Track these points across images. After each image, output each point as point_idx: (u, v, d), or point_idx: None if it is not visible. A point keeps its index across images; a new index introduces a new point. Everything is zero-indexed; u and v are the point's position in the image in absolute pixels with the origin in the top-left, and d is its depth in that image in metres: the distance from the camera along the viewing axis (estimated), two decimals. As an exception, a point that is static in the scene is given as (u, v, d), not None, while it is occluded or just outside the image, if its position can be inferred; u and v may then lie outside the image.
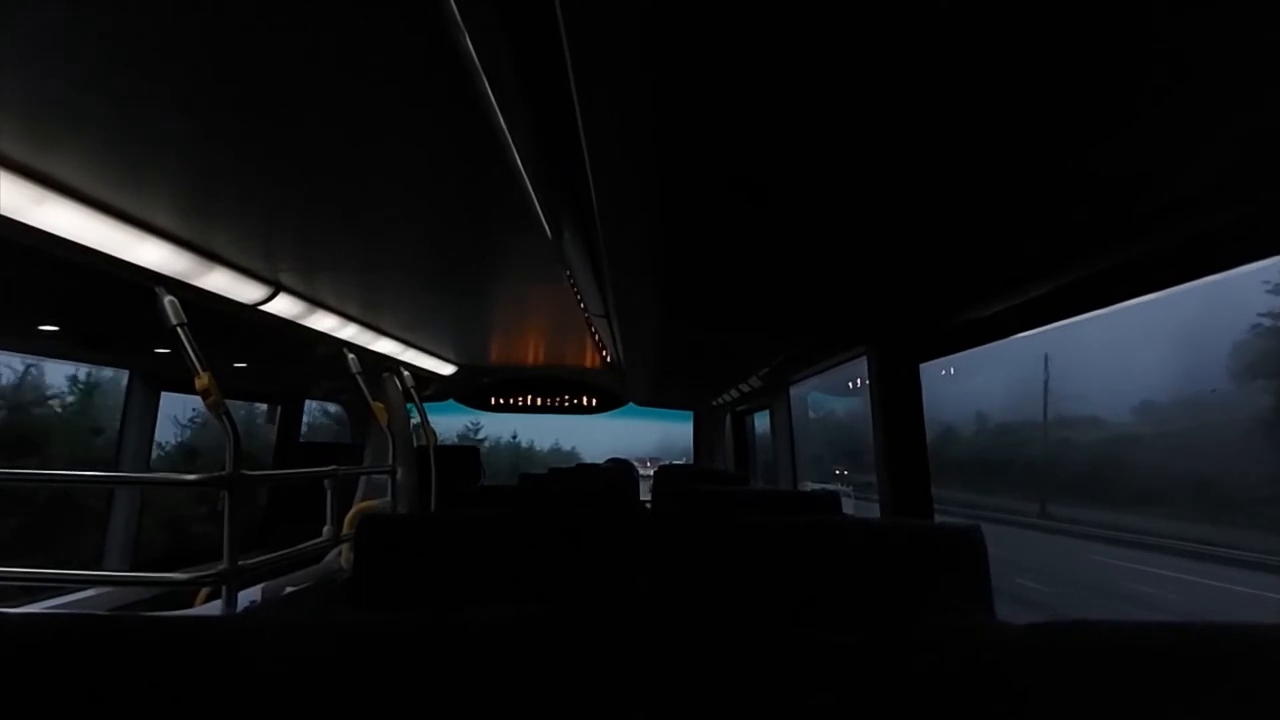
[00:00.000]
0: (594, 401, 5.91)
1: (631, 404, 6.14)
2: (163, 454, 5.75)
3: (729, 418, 5.96)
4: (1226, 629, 0.65)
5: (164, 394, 3.24)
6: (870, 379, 2.34)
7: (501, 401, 5.82)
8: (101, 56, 1.00)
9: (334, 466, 2.59)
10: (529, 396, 5.83)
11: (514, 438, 15.81)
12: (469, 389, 5.67)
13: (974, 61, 0.80)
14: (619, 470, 4.51)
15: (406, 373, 3.84)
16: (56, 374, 6.24)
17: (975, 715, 0.61)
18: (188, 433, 6.71)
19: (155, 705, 0.56)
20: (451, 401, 5.77)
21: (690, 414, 6.45)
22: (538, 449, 15.45)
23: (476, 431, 14.49)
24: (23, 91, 1.09)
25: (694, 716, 1.32)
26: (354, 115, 1.19)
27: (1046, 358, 11.53)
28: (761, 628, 1.32)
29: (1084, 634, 0.65)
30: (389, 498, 3.35)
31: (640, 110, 0.98)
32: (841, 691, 0.70)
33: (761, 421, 5.20)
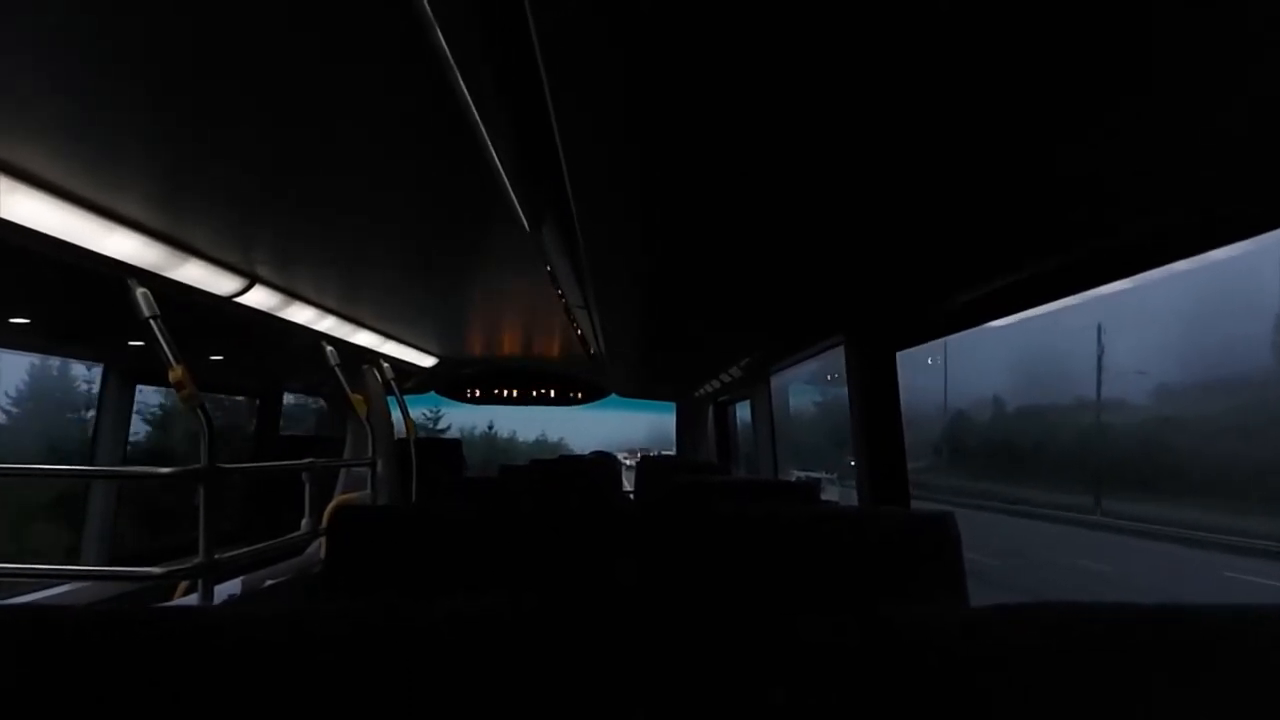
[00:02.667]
0: (576, 394, 5.91)
1: (620, 396, 6.15)
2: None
3: (711, 408, 5.98)
4: (1200, 610, 0.66)
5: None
6: (847, 368, 2.36)
7: (483, 394, 5.81)
8: (68, 42, 0.98)
9: (311, 459, 2.58)
10: (511, 389, 5.82)
11: (490, 429, 13.75)
12: (450, 381, 5.64)
13: (948, 53, 0.80)
14: (601, 462, 4.54)
15: (386, 365, 3.82)
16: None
17: (958, 698, 0.63)
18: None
19: (120, 696, 0.56)
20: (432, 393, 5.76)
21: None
22: (520, 441, 13.92)
23: (435, 421, 12.12)
24: None
25: (674, 703, 1.33)
26: (328, 106, 1.18)
27: (1100, 328, 9.99)
28: (739, 616, 1.33)
29: (1061, 615, 0.66)
30: (369, 490, 3.34)
31: (614, 102, 0.98)
32: (822, 677, 0.71)
33: (747, 413, 5.21)
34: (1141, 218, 1.22)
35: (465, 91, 1.08)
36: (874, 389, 2.26)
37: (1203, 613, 0.66)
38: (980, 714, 0.62)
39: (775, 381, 4.24)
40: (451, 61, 0.99)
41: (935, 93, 0.89)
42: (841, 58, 0.83)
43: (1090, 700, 0.61)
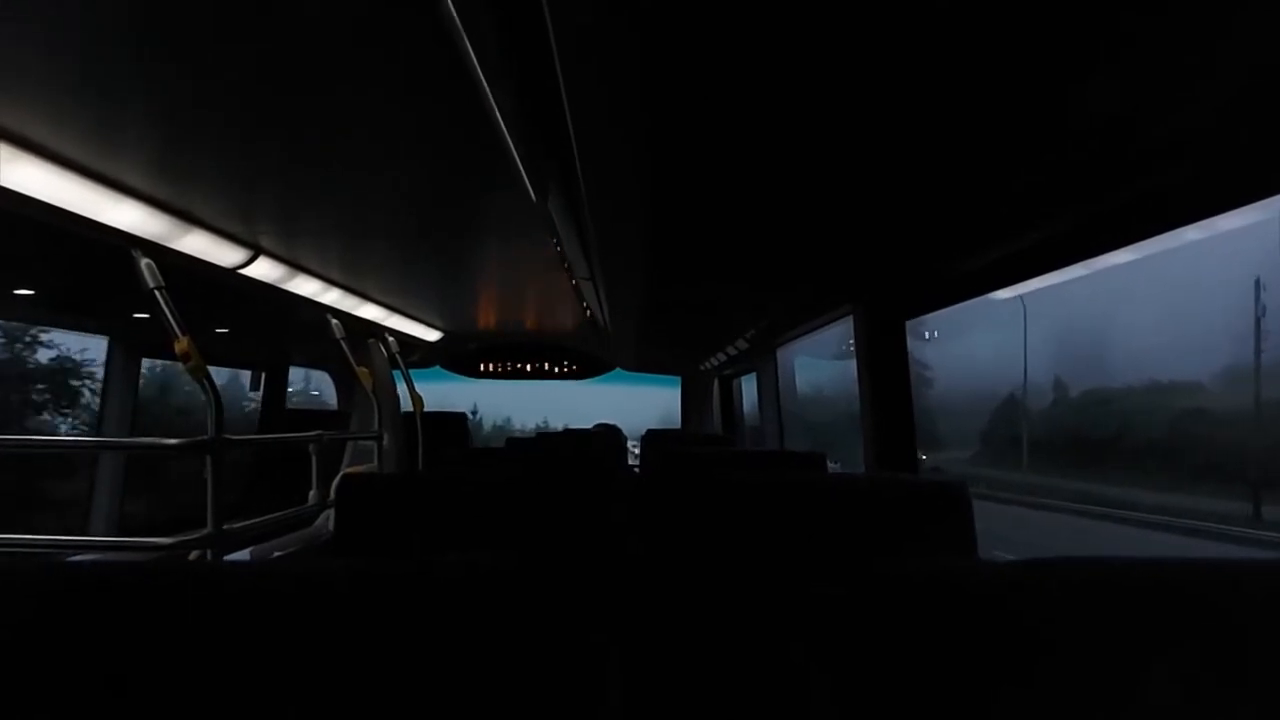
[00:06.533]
0: (582, 368, 5.90)
1: (632, 373, 6.13)
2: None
3: (716, 382, 5.98)
4: (1205, 564, 0.66)
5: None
6: (856, 338, 2.34)
7: (489, 368, 5.80)
8: (69, 9, 0.96)
9: (319, 431, 2.58)
10: (515, 363, 5.81)
11: (474, 414, 10.69)
12: (456, 355, 5.64)
13: (955, 8, 0.78)
14: (606, 435, 4.54)
15: (391, 339, 3.82)
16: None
17: (968, 653, 0.62)
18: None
19: (134, 650, 0.57)
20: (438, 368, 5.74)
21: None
22: (516, 429, 11.55)
23: (399, 406, 10.16)
24: None
25: (673, 660, 1.34)
26: (333, 74, 1.17)
27: (1259, 284, 7.33)
28: (744, 579, 1.33)
29: (1073, 570, 0.66)
30: (375, 463, 3.35)
31: (623, 69, 0.96)
32: (830, 636, 0.71)
33: (752, 391, 5.16)
34: (1160, 169, 1.18)
35: (473, 61, 1.06)
36: (883, 358, 2.25)
37: (1219, 565, 0.66)
38: (996, 667, 0.62)
39: (781, 356, 4.23)
40: (459, 28, 0.97)
41: (944, 45, 0.87)
42: (849, 14, 0.81)
43: (1103, 652, 0.61)
